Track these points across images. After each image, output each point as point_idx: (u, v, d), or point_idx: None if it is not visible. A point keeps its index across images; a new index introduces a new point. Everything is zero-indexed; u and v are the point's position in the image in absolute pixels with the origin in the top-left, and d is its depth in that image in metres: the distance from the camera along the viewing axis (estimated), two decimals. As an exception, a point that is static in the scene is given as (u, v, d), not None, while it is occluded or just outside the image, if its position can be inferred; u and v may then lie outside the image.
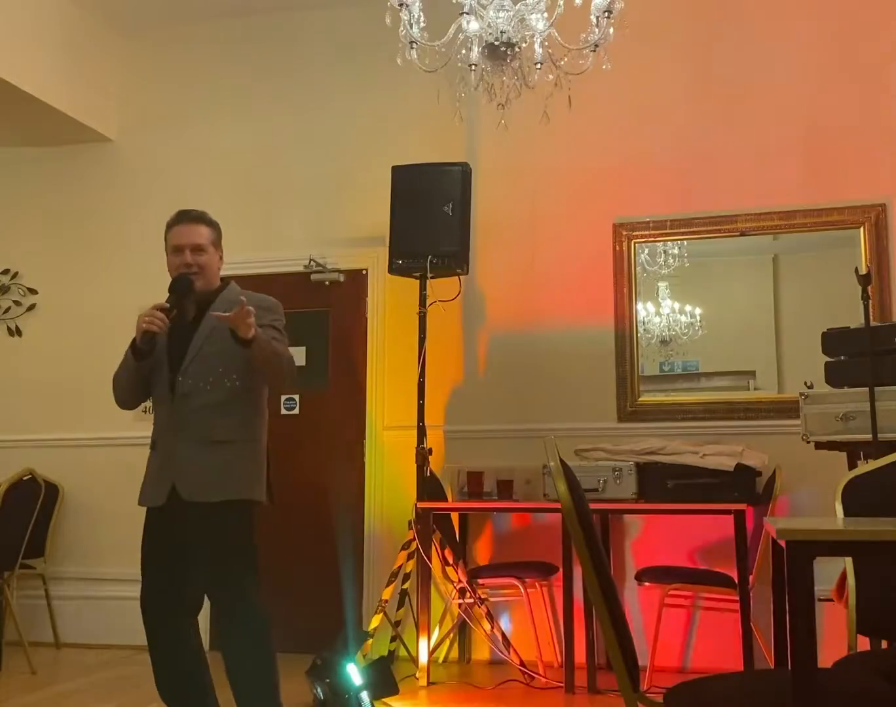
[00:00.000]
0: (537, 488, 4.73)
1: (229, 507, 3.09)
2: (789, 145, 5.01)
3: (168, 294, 3.14)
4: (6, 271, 6.04)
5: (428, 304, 4.82)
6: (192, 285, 3.18)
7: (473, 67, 3.57)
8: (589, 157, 5.25)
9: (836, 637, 3.06)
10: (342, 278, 5.51)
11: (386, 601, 4.61)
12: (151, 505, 3.19)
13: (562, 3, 3.58)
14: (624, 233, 5.15)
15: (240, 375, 3.14)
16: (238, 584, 3.09)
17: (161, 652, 3.17)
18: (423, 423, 4.74)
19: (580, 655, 4.38)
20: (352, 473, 5.35)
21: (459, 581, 4.66)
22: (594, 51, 3.58)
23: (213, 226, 3.29)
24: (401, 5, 3.59)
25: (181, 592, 3.17)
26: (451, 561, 4.65)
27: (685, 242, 5.13)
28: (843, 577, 2.84)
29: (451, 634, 4.99)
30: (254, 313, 2.97)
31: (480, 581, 4.74)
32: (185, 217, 3.26)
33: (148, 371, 3.22)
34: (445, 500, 4.94)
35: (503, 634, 4.71)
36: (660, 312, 5.17)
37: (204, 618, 3.46)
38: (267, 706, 3.07)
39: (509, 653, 4.64)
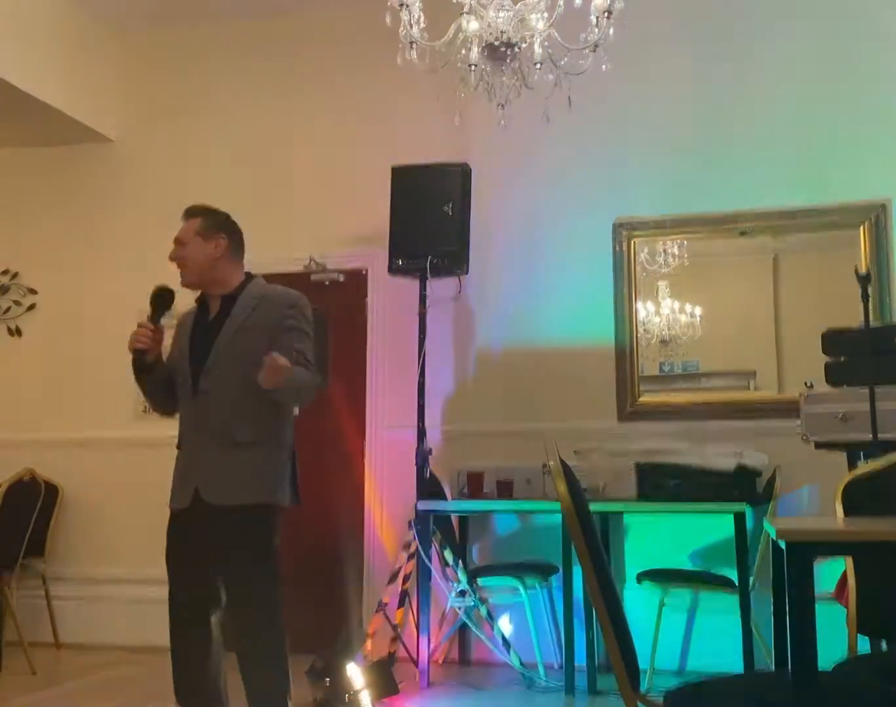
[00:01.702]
0: (537, 488, 4.72)
1: (252, 511, 3.06)
2: (789, 145, 5.00)
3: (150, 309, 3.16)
4: (6, 271, 6.04)
5: (428, 304, 4.82)
6: (171, 293, 3.16)
7: (473, 67, 3.56)
8: (589, 157, 5.24)
9: (836, 637, 3.06)
10: (342, 278, 5.51)
11: (386, 602, 4.60)
12: (177, 507, 3.15)
13: (562, 3, 3.58)
14: (624, 233, 5.15)
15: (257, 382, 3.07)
16: (257, 589, 3.07)
17: (184, 653, 3.13)
18: (423, 424, 4.73)
19: (580, 656, 4.39)
20: (352, 473, 5.34)
21: (459, 582, 4.66)
22: (594, 51, 3.58)
23: (205, 215, 3.23)
24: (401, 5, 3.59)
25: (205, 594, 3.12)
26: (451, 561, 4.65)
27: (685, 242, 5.13)
28: (844, 577, 2.84)
29: (451, 635, 4.99)
30: (284, 368, 2.91)
31: (480, 582, 4.74)
32: (183, 215, 3.25)
33: (167, 375, 3.22)
34: (445, 500, 4.94)
35: (503, 635, 4.71)
36: (660, 312, 5.16)
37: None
38: None
39: (509, 654, 4.64)
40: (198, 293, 3.29)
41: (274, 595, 3.09)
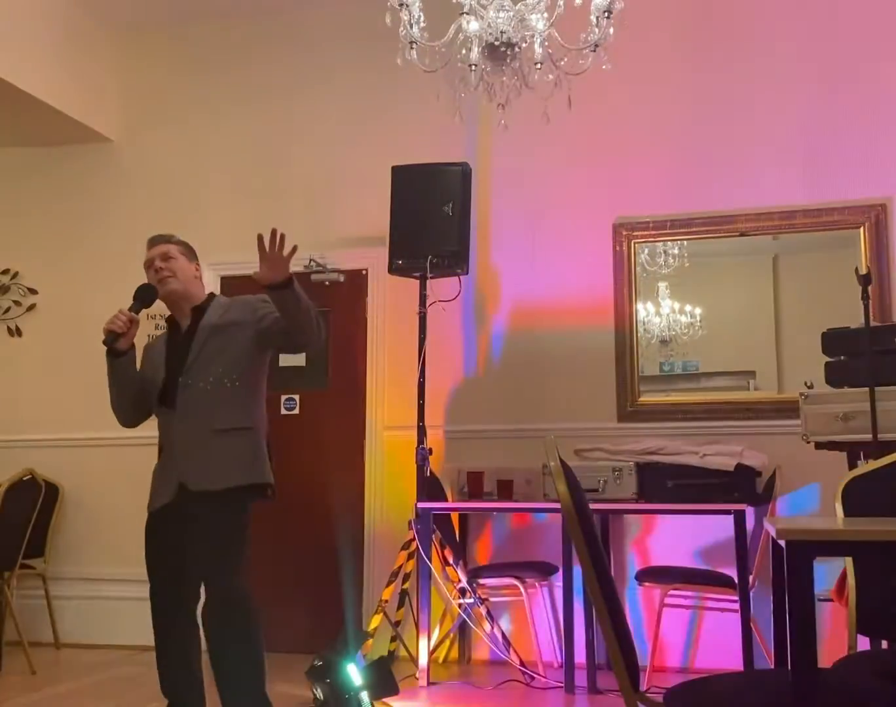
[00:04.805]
0: (537, 488, 4.72)
1: (231, 495, 3.22)
2: (789, 145, 5.00)
3: (132, 301, 3.39)
4: (6, 271, 6.04)
5: (428, 304, 4.82)
6: (155, 292, 3.42)
7: (473, 67, 3.57)
8: (589, 157, 5.25)
9: (836, 637, 3.07)
10: (342, 278, 5.51)
11: (386, 601, 4.60)
12: (160, 504, 3.32)
13: (562, 3, 3.58)
14: (624, 233, 5.15)
15: (240, 374, 3.33)
16: (232, 570, 3.20)
17: (163, 646, 3.30)
18: (423, 423, 4.73)
19: (580, 655, 4.39)
20: (352, 473, 5.34)
21: (459, 581, 4.66)
22: (594, 51, 3.58)
23: (181, 243, 3.51)
24: (401, 5, 3.59)
25: (184, 589, 3.29)
26: (451, 561, 4.66)
27: (685, 242, 5.13)
28: (843, 577, 2.84)
29: (451, 634, 4.99)
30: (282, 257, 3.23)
31: (480, 581, 4.74)
32: (152, 241, 3.50)
33: (139, 386, 3.42)
34: (445, 500, 4.94)
35: (503, 634, 4.71)
36: (660, 312, 5.17)
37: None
38: (251, 699, 3.12)
39: (509, 653, 4.64)
40: (167, 315, 3.53)
41: (242, 576, 3.21)
